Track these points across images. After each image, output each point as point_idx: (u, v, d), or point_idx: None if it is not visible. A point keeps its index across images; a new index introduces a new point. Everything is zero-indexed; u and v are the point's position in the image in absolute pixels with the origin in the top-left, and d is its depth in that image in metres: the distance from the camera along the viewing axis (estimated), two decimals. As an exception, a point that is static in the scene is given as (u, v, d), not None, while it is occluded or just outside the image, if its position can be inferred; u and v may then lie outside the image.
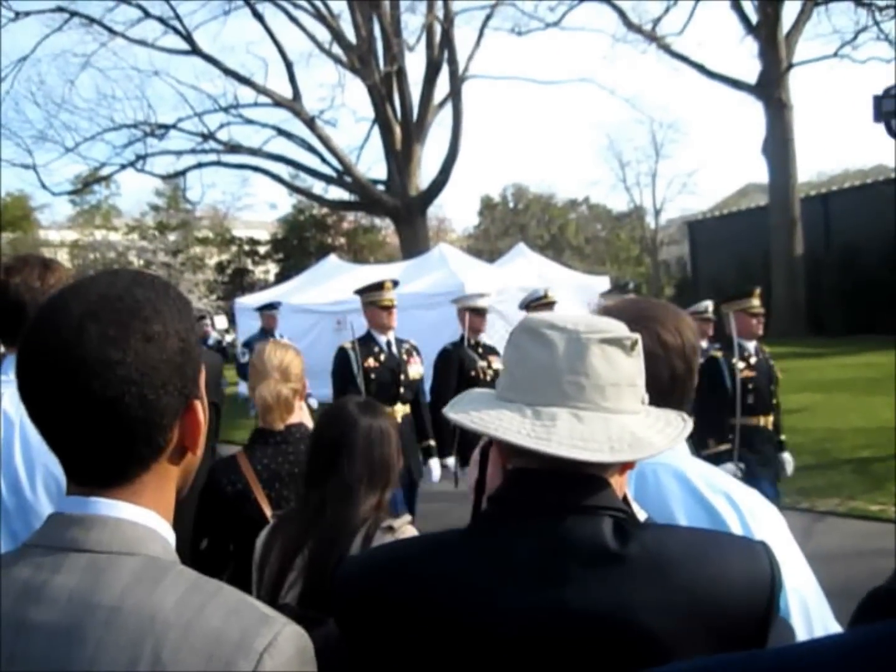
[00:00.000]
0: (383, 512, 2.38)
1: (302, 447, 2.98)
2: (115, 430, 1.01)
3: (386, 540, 2.19)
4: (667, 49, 27.18)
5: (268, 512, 2.79)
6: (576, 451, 1.16)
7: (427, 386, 6.92)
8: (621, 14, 26.90)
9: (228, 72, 27.38)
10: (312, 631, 1.06)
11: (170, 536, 1.09)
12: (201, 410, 1.10)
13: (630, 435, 1.21)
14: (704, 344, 7.46)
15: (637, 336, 1.27)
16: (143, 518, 1.05)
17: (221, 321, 13.46)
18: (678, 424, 1.31)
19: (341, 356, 6.32)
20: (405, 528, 2.31)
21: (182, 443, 1.09)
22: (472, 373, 6.72)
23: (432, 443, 6.59)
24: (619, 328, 1.27)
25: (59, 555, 1.00)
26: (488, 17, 27.23)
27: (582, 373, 1.22)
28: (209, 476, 2.88)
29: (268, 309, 10.87)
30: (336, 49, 27.27)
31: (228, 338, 13.23)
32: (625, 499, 1.31)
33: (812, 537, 6.45)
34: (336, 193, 31.15)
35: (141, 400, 1.00)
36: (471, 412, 1.26)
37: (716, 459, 5.34)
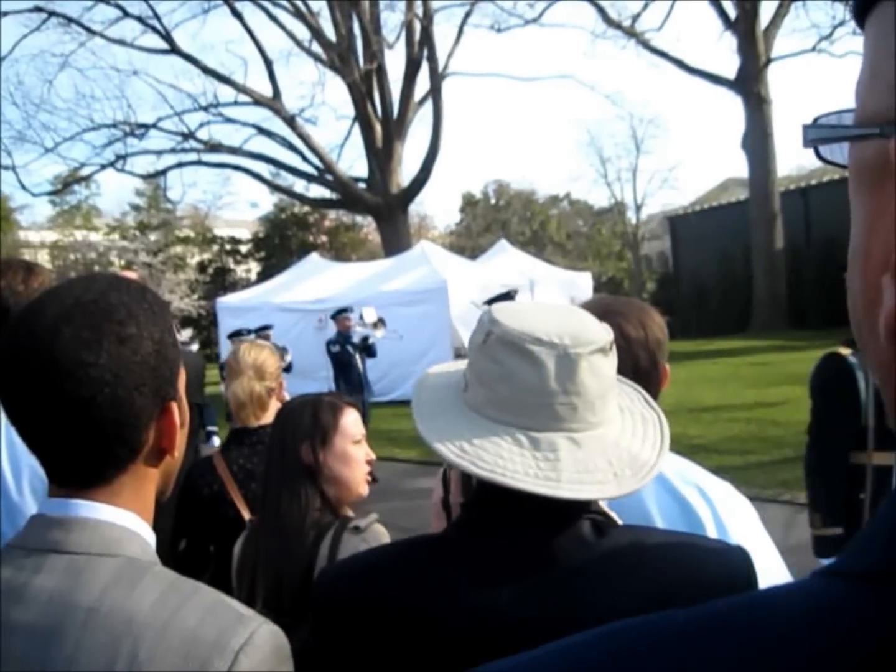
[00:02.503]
0: (332, 513, 2.30)
1: None
2: (89, 432, 1.02)
3: (354, 541, 2.17)
4: (646, 45, 27.24)
5: (245, 512, 2.78)
6: (585, 490, 1.14)
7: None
8: (600, 10, 26.93)
9: (208, 71, 27.30)
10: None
11: (149, 537, 1.11)
12: (177, 413, 1.11)
13: (627, 454, 1.20)
14: None
15: (611, 337, 1.24)
16: (122, 519, 1.07)
17: (370, 314, 11.96)
18: (653, 419, 1.31)
19: (841, 372, 3.62)
20: (373, 527, 2.26)
21: (159, 445, 1.10)
22: None
23: None
24: (597, 331, 1.23)
25: (39, 556, 1.02)
26: (468, 14, 27.29)
27: (574, 392, 1.17)
28: (186, 477, 2.88)
29: (505, 299, 8.34)
30: (316, 47, 27.25)
31: (379, 333, 11.72)
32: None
33: (793, 529, 6.50)
34: (317, 192, 31.12)
35: (114, 401, 1.02)
36: (461, 443, 1.18)
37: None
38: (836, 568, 0.49)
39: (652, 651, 0.50)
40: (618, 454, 1.19)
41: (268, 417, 3.05)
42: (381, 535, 2.24)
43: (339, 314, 12.23)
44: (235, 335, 11.71)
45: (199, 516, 2.88)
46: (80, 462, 1.05)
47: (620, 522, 1.38)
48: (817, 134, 0.54)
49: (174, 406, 1.10)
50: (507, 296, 8.89)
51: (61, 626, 0.97)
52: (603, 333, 1.23)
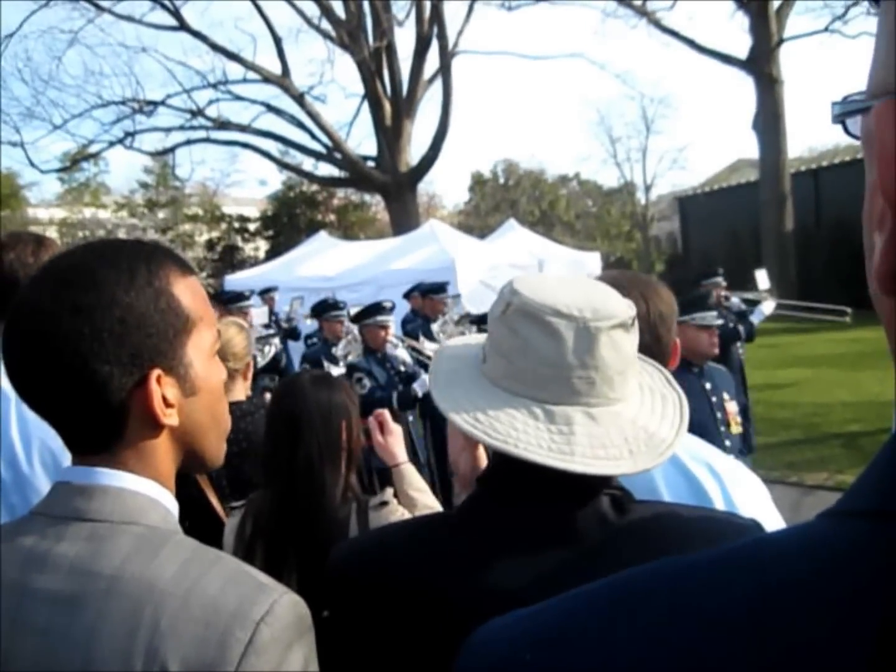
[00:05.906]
0: (352, 492, 2.29)
1: (242, 425, 2.96)
2: (64, 399, 1.04)
3: (382, 515, 2.16)
4: (657, 24, 27.01)
5: (209, 491, 2.73)
6: (598, 465, 1.12)
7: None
8: (612, -12, 26.72)
9: (217, 48, 27.13)
10: None
11: (171, 506, 1.11)
12: (156, 383, 1.07)
13: (643, 432, 1.18)
14: None
15: (633, 312, 1.23)
16: (144, 487, 1.07)
17: (763, 279, 10.07)
18: (673, 398, 1.30)
19: None
20: (395, 502, 2.26)
21: (147, 414, 1.07)
22: None
23: None
24: (619, 306, 1.21)
25: (62, 524, 1.03)
26: (478, -8, 27.02)
27: (592, 367, 1.16)
28: None
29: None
30: (325, 24, 27.06)
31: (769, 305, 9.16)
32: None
33: (800, 511, 6.50)
34: (326, 170, 30.99)
35: (74, 370, 1.03)
36: (476, 413, 1.18)
37: None
38: (838, 507, 0.51)
39: (655, 596, 0.51)
40: (634, 431, 1.18)
41: (230, 397, 3.01)
42: (403, 512, 2.25)
43: None
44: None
45: None
46: (74, 430, 1.07)
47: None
48: (840, 109, 0.58)
49: (153, 376, 1.06)
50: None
51: (83, 593, 0.97)
52: (625, 308, 1.21)
